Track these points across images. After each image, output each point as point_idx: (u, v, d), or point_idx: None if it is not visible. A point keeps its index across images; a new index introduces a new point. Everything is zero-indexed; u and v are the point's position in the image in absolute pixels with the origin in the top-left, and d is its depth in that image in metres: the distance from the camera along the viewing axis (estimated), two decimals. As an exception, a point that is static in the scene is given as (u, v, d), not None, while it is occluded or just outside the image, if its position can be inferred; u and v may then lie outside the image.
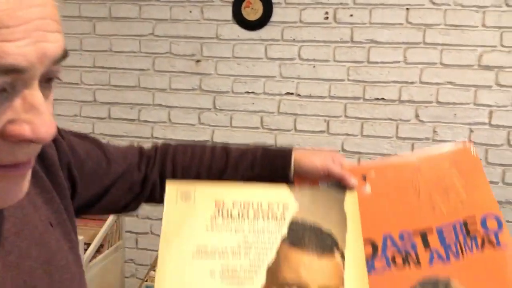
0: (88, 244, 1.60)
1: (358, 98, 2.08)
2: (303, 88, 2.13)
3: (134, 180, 0.84)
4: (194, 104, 2.22)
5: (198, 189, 0.77)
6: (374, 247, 0.81)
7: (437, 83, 2.03)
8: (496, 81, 1.99)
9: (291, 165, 0.83)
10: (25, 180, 0.50)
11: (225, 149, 0.89)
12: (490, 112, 2.01)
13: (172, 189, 0.76)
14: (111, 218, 1.79)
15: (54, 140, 0.70)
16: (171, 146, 0.90)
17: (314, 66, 2.11)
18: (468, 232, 0.81)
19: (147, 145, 0.87)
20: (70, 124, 2.35)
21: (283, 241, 0.75)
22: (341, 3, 2.05)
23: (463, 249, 0.81)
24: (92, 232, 1.68)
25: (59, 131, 0.72)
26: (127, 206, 0.86)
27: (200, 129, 2.23)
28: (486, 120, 2.01)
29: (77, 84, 2.33)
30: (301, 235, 0.75)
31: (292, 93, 2.14)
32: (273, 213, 0.77)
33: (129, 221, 2.22)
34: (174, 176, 0.85)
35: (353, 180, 0.82)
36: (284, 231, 0.75)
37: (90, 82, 2.31)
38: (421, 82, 2.04)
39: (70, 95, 2.34)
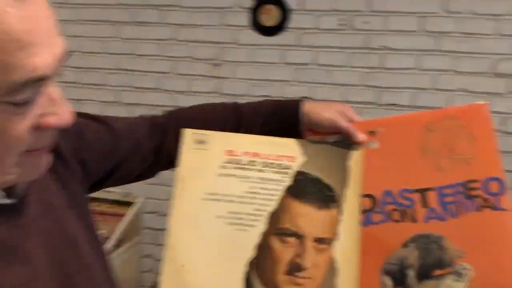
0: (107, 239, 1.69)
1: (372, 103, 2.13)
2: (318, 93, 2.19)
3: (145, 151, 0.87)
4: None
5: (213, 137, 0.81)
6: (374, 201, 0.82)
7: (450, 90, 2.06)
8: (509, 89, 2.01)
9: (299, 118, 0.84)
10: (46, 159, 0.58)
11: (236, 107, 0.91)
12: (504, 119, 2.03)
13: (188, 135, 0.81)
14: (130, 214, 1.88)
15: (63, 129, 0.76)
16: (183, 110, 0.93)
17: (329, 72, 2.16)
18: (468, 193, 0.80)
19: None
20: (94, 124, 2.45)
21: (286, 191, 0.79)
22: (356, 10, 2.10)
23: (461, 209, 0.80)
24: (111, 227, 1.78)
25: None
26: (141, 175, 0.90)
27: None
28: (498, 127, 2.03)
29: (101, 85, 2.43)
30: (303, 187, 0.79)
31: (307, 97, 2.20)
32: (279, 165, 0.80)
33: (147, 217, 2.31)
34: None
35: (360, 136, 0.82)
36: (288, 182, 0.79)
37: (114, 83, 2.41)
38: (435, 89, 2.08)
39: (94, 96, 2.44)
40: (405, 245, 0.80)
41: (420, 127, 0.83)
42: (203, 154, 0.80)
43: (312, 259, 0.76)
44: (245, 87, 2.25)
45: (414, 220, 0.81)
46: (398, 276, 0.81)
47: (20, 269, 0.57)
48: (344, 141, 0.83)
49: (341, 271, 0.77)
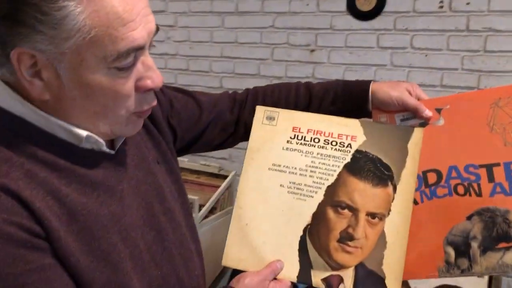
0: (202, 206, 1.88)
1: (472, 88, 2.04)
2: (414, 77, 2.15)
3: (226, 122, 0.99)
4: (307, 91, 2.38)
5: (281, 114, 0.90)
6: (439, 176, 0.85)
7: None
8: None
9: (368, 97, 0.90)
10: (143, 120, 0.73)
11: (308, 87, 0.98)
12: None
13: (260, 111, 0.91)
14: (223, 186, 2.05)
15: (157, 98, 0.91)
16: (261, 88, 1.03)
17: (426, 55, 2.12)
18: None
19: None
20: (200, 107, 2.67)
21: (345, 167, 0.85)
22: (457, -9, 2.03)
23: None
24: (207, 196, 1.95)
25: (162, 89, 0.92)
26: (222, 144, 1.02)
27: (312, 114, 2.38)
28: None
29: (206, 72, 2.64)
30: (362, 165, 0.85)
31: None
32: (340, 143, 0.87)
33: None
34: None
35: (426, 112, 0.86)
36: (347, 159, 0.85)
37: (218, 70, 2.61)
38: (545, 72, 1.93)
39: (200, 82, 2.66)
40: (469, 218, 0.82)
41: (488, 103, 0.84)
42: (271, 129, 0.89)
43: (363, 231, 0.82)
44: (340, 72, 2.29)
45: (479, 194, 0.82)
46: (462, 247, 0.83)
47: (115, 204, 0.72)
48: (411, 117, 0.87)
49: (389, 245, 0.82)
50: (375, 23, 2.19)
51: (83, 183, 0.68)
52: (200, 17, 2.60)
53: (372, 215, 0.83)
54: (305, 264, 0.82)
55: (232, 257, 0.84)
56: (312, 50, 2.34)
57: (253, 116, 0.94)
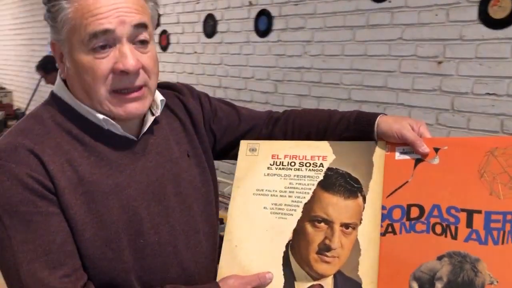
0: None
1: None
2: (556, 91, 1.90)
3: (261, 134, 1.12)
4: (433, 105, 2.28)
5: (262, 145, 1.02)
6: (421, 212, 0.87)
7: None
8: None
9: (374, 129, 0.96)
10: (137, 102, 0.89)
11: (330, 114, 1.08)
12: None
13: (244, 144, 1.03)
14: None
15: (202, 106, 1.09)
16: (294, 111, 1.15)
17: None
18: None
19: None
20: (329, 118, 2.76)
21: (319, 185, 0.93)
22: None
23: (505, 238, 0.80)
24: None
25: (209, 99, 1.12)
26: None
27: (437, 129, 2.27)
28: None
29: (337, 84, 2.72)
30: (333, 181, 0.92)
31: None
32: (313, 163, 0.95)
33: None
34: (292, 134, 1.10)
35: (423, 148, 0.89)
36: (320, 177, 0.94)
37: (347, 82, 2.67)
38: None
39: (331, 94, 2.75)
40: (440, 258, 0.84)
41: (484, 151, 0.86)
42: (254, 159, 1.01)
43: (339, 241, 0.89)
44: (469, 85, 2.15)
45: (454, 237, 0.83)
46: (426, 285, 0.84)
47: (121, 178, 0.90)
48: (410, 151, 0.90)
49: (363, 252, 0.87)
50: (510, 31, 2.00)
51: (99, 158, 0.88)
52: (333, 32, 2.70)
53: (346, 225, 0.89)
54: (289, 277, 0.90)
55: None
56: (440, 62, 2.24)
57: (283, 133, 1.09)
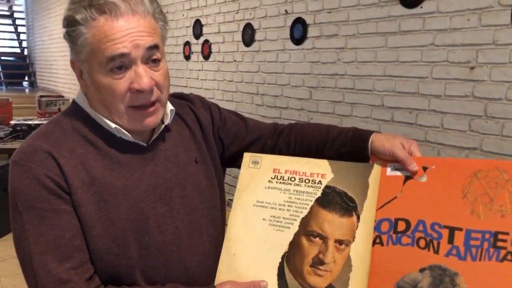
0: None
1: None
2: None
3: (266, 144, 1.19)
4: (465, 111, 2.23)
5: (264, 158, 1.06)
6: (408, 226, 0.92)
7: None
8: None
9: (368, 146, 1.02)
10: (152, 116, 0.98)
11: (329, 128, 1.14)
12: None
13: (247, 156, 1.08)
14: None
15: (212, 115, 1.16)
16: (298, 124, 1.22)
17: None
18: (495, 243, 0.84)
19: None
20: (362, 124, 2.76)
21: (316, 201, 0.97)
22: None
23: (483, 255, 0.84)
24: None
25: (220, 110, 1.20)
26: None
27: (469, 136, 2.22)
28: None
29: (370, 90, 2.72)
30: (330, 199, 0.96)
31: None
32: (312, 180, 0.99)
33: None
34: (295, 146, 1.17)
35: (412, 166, 0.95)
36: (318, 194, 0.98)
37: (380, 89, 2.66)
38: None
39: (364, 100, 2.75)
40: (422, 270, 0.89)
41: (468, 172, 0.91)
42: (256, 171, 1.05)
43: (332, 256, 0.93)
44: (502, 91, 2.09)
45: (436, 251, 0.88)
46: None
47: (131, 180, 0.98)
48: (400, 168, 0.95)
49: (354, 268, 0.92)
50: (544, 35, 1.93)
51: (111, 161, 0.97)
52: (366, 39, 2.70)
53: (340, 242, 0.93)
54: (283, 287, 0.94)
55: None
56: (472, 68, 2.19)
57: (287, 145, 1.15)
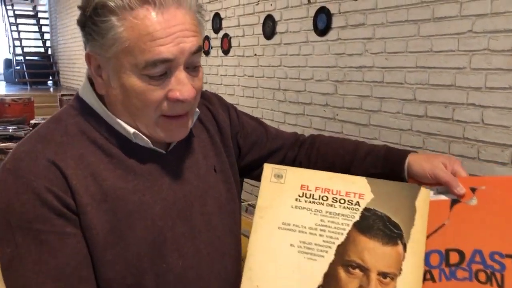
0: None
1: None
2: None
3: (287, 156, 1.05)
4: (510, 104, 2.01)
5: (289, 172, 0.90)
6: (462, 257, 0.79)
7: None
8: None
9: (404, 169, 0.90)
10: (184, 127, 0.85)
11: (357, 145, 1.01)
12: None
13: (268, 168, 0.91)
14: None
15: (230, 118, 1.01)
16: (321, 136, 1.08)
17: None
18: None
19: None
20: (392, 121, 2.56)
21: (354, 226, 0.83)
22: None
23: None
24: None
25: (237, 112, 1.05)
26: None
27: (514, 132, 2.00)
28: None
29: (401, 83, 2.51)
30: (371, 223, 0.82)
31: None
32: (349, 201, 0.85)
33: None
34: (316, 160, 1.03)
35: (459, 188, 0.83)
36: (356, 217, 0.83)
37: (411, 81, 2.45)
38: None
39: (394, 94, 2.54)
40: None
41: None
42: (280, 187, 0.89)
43: None
44: (553, 81, 1.86)
45: (501, 285, 0.76)
46: None
47: (148, 194, 0.84)
48: (444, 192, 0.84)
49: None
50: None
51: (127, 171, 0.82)
52: (396, 27, 2.50)
53: (384, 274, 0.80)
54: None
55: None
56: (517, 56, 1.97)
57: (307, 158, 1.01)
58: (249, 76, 3.83)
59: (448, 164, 0.86)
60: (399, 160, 0.92)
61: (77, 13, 0.82)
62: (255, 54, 3.72)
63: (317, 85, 3.11)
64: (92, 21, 0.76)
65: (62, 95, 6.39)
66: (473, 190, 0.83)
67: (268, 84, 3.60)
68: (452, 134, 2.25)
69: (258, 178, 1.07)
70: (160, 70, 0.76)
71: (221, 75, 4.20)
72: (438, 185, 0.85)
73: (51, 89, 10.33)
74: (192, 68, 0.81)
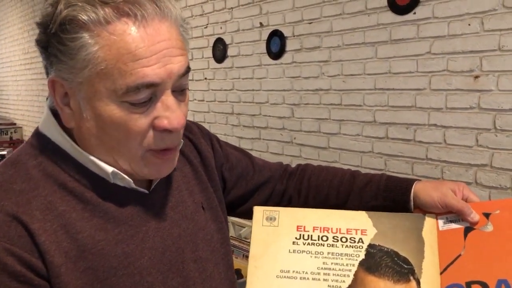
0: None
1: None
2: None
3: (275, 189, 0.95)
4: (472, 124, 2.03)
5: (282, 213, 0.82)
6: None
7: None
8: None
9: (410, 199, 0.83)
10: (172, 161, 0.72)
11: (353, 175, 0.92)
12: None
13: (259, 211, 0.83)
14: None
15: (213, 148, 0.89)
16: (310, 166, 0.98)
17: None
18: None
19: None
20: (352, 143, 2.53)
21: (360, 265, 0.76)
22: None
23: None
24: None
25: (219, 142, 0.93)
26: None
27: (477, 152, 2.02)
28: None
29: (359, 105, 2.49)
30: (377, 261, 0.76)
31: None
32: (351, 238, 0.78)
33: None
34: (308, 193, 0.93)
35: (472, 215, 0.77)
36: (361, 256, 0.77)
37: (371, 103, 2.44)
38: None
39: (353, 116, 2.52)
40: None
41: None
42: (274, 230, 0.81)
43: None
44: (511, 101, 1.90)
45: None
46: None
47: (133, 244, 0.70)
48: (455, 220, 0.79)
49: None
50: (558, 38, 1.76)
51: (105, 219, 0.68)
52: (353, 50, 2.49)
53: None
54: None
55: None
56: (477, 76, 2.00)
57: (297, 192, 0.93)
58: (199, 101, 3.71)
59: (457, 190, 0.81)
60: (403, 190, 0.85)
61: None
62: (205, 78, 3.61)
63: (272, 108, 3.04)
64: (57, 40, 0.62)
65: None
66: (486, 215, 0.78)
67: (220, 109, 3.49)
68: (415, 155, 2.25)
69: (242, 215, 0.97)
70: (145, 96, 0.64)
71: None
72: (448, 213, 0.80)
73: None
74: (179, 92, 0.68)
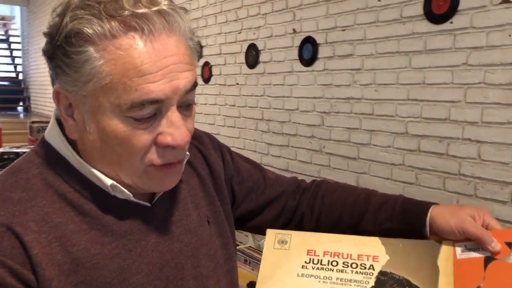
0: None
1: None
2: None
3: (287, 205, 0.92)
4: (508, 140, 1.93)
5: (294, 237, 0.81)
6: None
7: None
8: None
9: (426, 224, 0.79)
10: (176, 175, 0.71)
11: (369, 195, 0.88)
12: None
13: (271, 234, 0.82)
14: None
15: (224, 160, 0.87)
16: (325, 183, 0.95)
17: None
18: None
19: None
20: (383, 155, 2.46)
21: None
22: None
23: None
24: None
25: (231, 154, 0.91)
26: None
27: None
28: None
29: (392, 116, 2.42)
30: None
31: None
32: (361, 264, 0.76)
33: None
34: (321, 211, 0.89)
35: (493, 244, 0.72)
36: (371, 283, 0.74)
37: (403, 114, 2.36)
38: None
39: (385, 127, 2.45)
40: None
41: None
42: (284, 253, 0.80)
43: None
44: (554, 117, 1.80)
45: None
46: None
47: (130, 259, 0.69)
48: (474, 248, 0.74)
49: None
50: None
51: (104, 232, 0.67)
52: (386, 58, 2.42)
53: None
54: None
55: None
56: (516, 90, 1.90)
57: (310, 209, 0.91)
58: (230, 106, 3.71)
59: (477, 216, 0.76)
60: (419, 213, 0.80)
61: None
62: (237, 83, 3.61)
63: (302, 116, 3.00)
64: (63, 52, 0.62)
65: (33, 122, 6.13)
66: (509, 245, 0.73)
67: (250, 114, 3.48)
68: (447, 170, 2.16)
69: (252, 230, 0.94)
70: (149, 112, 0.62)
71: (201, 104, 4.07)
72: (466, 241, 0.75)
73: (21, 115, 9.99)
74: (185, 107, 0.67)
